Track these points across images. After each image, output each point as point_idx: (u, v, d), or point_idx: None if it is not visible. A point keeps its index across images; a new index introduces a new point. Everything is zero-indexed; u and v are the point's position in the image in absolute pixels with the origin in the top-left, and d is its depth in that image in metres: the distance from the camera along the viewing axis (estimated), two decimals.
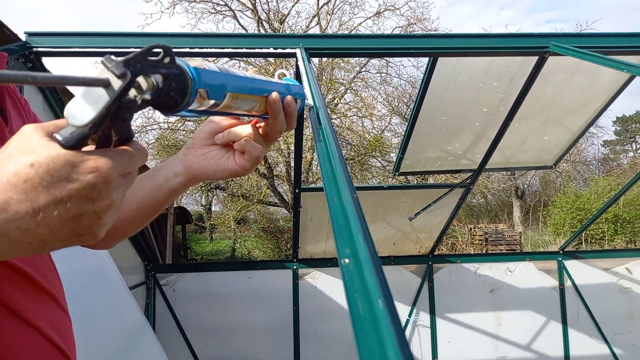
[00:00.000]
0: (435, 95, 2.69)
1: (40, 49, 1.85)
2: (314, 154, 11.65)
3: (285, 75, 0.80)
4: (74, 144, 0.42)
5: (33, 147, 0.40)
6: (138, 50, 0.42)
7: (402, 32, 12.21)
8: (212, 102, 0.56)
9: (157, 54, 0.46)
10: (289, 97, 0.70)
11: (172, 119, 11.23)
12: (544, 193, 19.32)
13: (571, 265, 3.90)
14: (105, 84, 0.40)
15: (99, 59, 0.42)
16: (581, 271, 3.90)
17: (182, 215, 11.17)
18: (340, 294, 3.73)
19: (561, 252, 3.94)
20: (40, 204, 0.40)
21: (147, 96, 0.46)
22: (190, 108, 0.54)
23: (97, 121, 0.41)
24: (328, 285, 3.73)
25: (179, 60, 0.50)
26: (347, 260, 0.54)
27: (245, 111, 0.65)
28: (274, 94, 0.67)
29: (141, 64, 0.43)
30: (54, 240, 0.42)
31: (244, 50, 2.03)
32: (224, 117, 0.72)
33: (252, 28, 12.30)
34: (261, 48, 2.02)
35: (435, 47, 2.12)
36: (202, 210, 18.26)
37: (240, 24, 12.31)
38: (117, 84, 0.40)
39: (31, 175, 0.39)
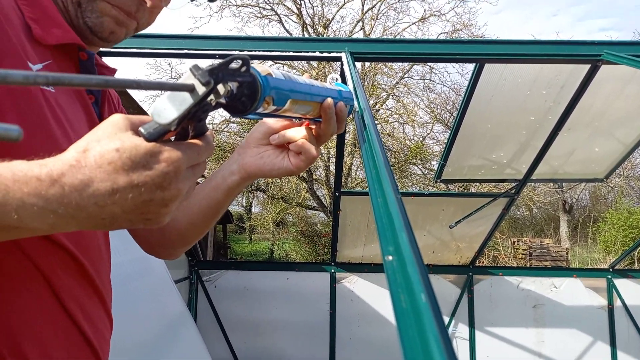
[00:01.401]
0: (481, 102, 2.65)
1: (100, 49, 1.96)
2: (353, 159, 11.64)
3: (337, 80, 0.84)
4: (156, 138, 0.47)
5: (119, 136, 0.46)
6: (221, 60, 0.48)
7: (448, 38, 12.02)
8: (275, 107, 0.61)
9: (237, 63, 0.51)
10: (341, 103, 0.74)
11: (217, 120, 11.51)
12: (594, 208, 18.42)
13: (621, 284, 3.70)
14: (190, 89, 0.46)
15: (185, 64, 0.49)
16: (632, 291, 3.69)
17: (223, 215, 11.41)
18: (378, 300, 3.70)
19: (611, 269, 3.76)
20: (119, 186, 0.45)
21: (222, 100, 0.52)
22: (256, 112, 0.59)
23: (179, 121, 0.47)
24: (365, 290, 3.72)
25: (251, 69, 0.55)
26: (390, 257, 0.55)
27: (300, 115, 0.70)
28: (329, 100, 0.71)
29: (223, 72, 0.48)
30: (123, 219, 0.47)
31: (291, 53, 2.08)
32: (278, 119, 0.76)
33: (296, 32, 12.49)
34: (307, 52, 2.06)
35: (482, 53, 2.09)
36: (242, 211, 18.59)
37: (285, 28, 12.53)
38: (201, 89, 0.46)
39: (115, 158, 0.44)
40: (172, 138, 0.51)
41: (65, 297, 0.63)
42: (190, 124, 0.50)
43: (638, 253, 12.40)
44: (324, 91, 0.72)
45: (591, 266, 13.15)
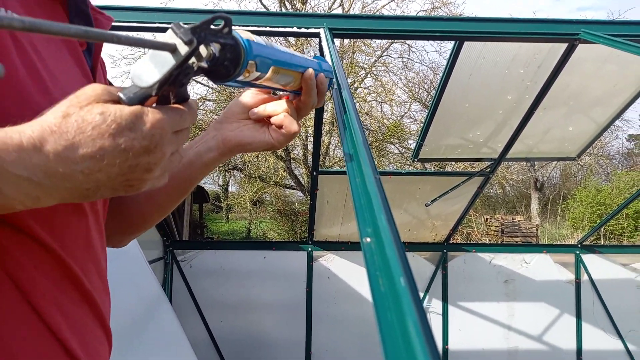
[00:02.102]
0: (459, 81, 2.65)
1: None
2: (331, 138, 11.62)
3: (316, 54, 0.82)
4: (135, 103, 0.44)
5: (102, 103, 0.43)
6: (203, 19, 0.45)
7: (427, 15, 11.95)
8: (257, 74, 0.58)
9: (218, 23, 0.48)
10: (321, 75, 0.72)
11: (195, 97, 11.28)
12: (563, 186, 18.98)
13: (589, 259, 3.84)
14: (172, 49, 0.44)
15: (159, 39, 0.45)
16: (599, 266, 3.84)
17: (199, 194, 11.31)
18: (354, 277, 3.75)
19: (579, 245, 3.88)
20: (105, 151, 0.42)
21: (204, 64, 0.49)
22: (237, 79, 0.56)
23: (161, 83, 0.44)
24: (342, 268, 3.76)
25: (233, 32, 0.52)
26: (368, 239, 0.54)
27: (281, 86, 0.67)
28: (310, 71, 0.69)
29: (205, 32, 0.45)
30: (107, 187, 0.44)
31: (268, 29, 2.02)
32: (258, 92, 0.73)
33: (274, 8, 12.21)
34: (285, 27, 2.01)
35: (462, 30, 2.08)
36: (219, 190, 18.45)
37: (262, 3, 12.23)
38: (183, 49, 0.44)
39: (99, 122, 0.41)
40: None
41: (40, 301, 0.50)
42: (172, 90, 0.47)
43: (604, 229, 12.90)
44: (305, 61, 0.69)
45: (559, 242, 13.63)
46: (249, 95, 0.73)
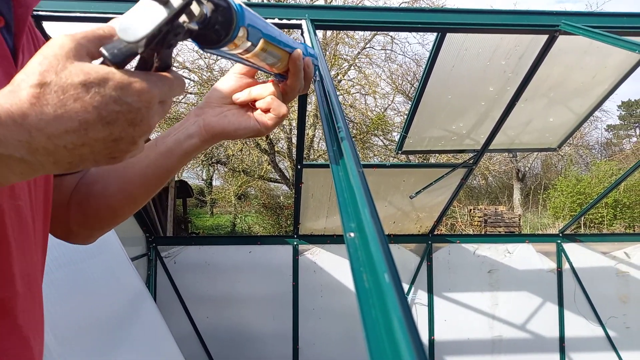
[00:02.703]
0: (442, 73, 2.65)
1: (40, 13, 1.81)
2: (315, 131, 11.60)
3: (300, 41, 0.79)
4: (122, 60, 0.41)
5: (79, 65, 0.39)
6: None
7: (410, 6, 11.96)
8: (248, 44, 0.55)
9: None
10: (308, 58, 0.69)
11: None
12: (545, 176, 19.33)
13: (570, 248, 3.91)
14: (164, 0, 0.40)
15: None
16: (580, 254, 3.91)
17: (183, 189, 11.20)
18: (340, 270, 3.75)
19: (561, 235, 3.95)
20: (89, 125, 0.39)
21: (194, 25, 0.46)
22: (225, 48, 0.53)
23: (150, 38, 0.41)
24: (328, 261, 3.76)
25: None
26: (352, 234, 0.53)
27: (267, 65, 0.64)
28: (298, 51, 0.66)
29: None
30: (90, 160, 0.42)
31: None
32: (241, 76, 0.70)
33: None
34: (265, 18, 1.97)
35: (444, 22, 2.07)
36: (202, 184, 18.32)
37: None
38: (177, 2, 0.40)
39: (82, 94, 0.38)
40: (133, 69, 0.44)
41: None
42: (158, 52, 0.44)
43: (584, 218, 13.18)
44: (293, 42, 0.67)
45: (541, 231, 13.90)
46: (232, 79, 0.70)
